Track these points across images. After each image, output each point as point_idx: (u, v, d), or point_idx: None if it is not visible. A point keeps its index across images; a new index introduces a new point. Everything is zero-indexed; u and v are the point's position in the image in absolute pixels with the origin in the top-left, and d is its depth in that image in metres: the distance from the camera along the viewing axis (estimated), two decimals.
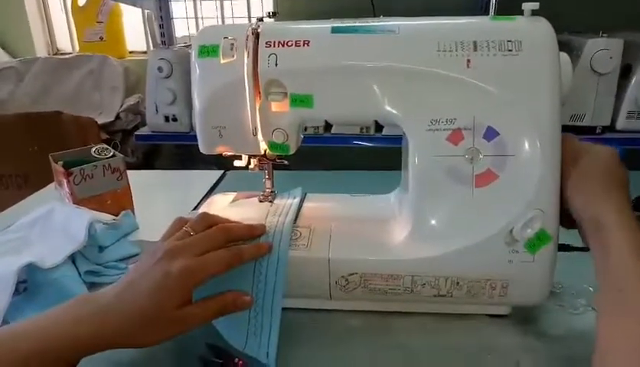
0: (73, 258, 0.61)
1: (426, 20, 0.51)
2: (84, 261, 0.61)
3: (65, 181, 0.71)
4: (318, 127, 1.62)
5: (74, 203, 0.72)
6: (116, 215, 0.73)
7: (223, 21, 2.05)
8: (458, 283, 0.50)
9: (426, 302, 0.52)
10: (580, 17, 1.65)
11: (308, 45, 0.50)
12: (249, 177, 0.61)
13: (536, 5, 0.48)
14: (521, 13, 0.49)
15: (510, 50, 0.47)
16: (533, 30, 0.48)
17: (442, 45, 0.48)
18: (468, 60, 0.47)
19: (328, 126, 1.63)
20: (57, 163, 0.73)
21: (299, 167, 0.92)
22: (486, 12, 1.73)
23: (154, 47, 1.76)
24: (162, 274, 0.41)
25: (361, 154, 1.58)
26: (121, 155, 0.75)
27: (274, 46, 0.50)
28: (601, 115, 1.48)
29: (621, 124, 1.48)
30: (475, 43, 0.47)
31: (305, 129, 1.63)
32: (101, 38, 2.15)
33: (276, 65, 0.50)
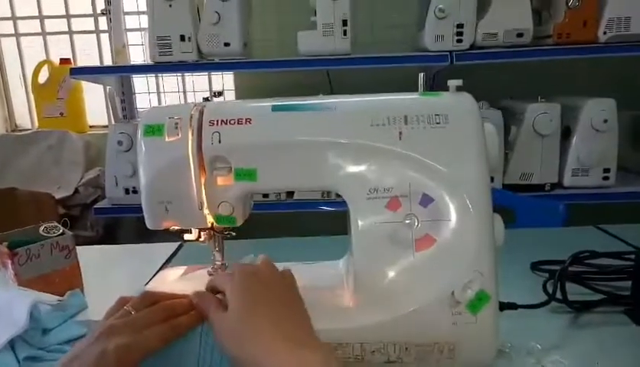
0: (12, 344, 0.58)
1: (360, 97, 0.54)
2: (24, 346, 0.58)
3: (9, 262, 0.69)
4: (280, 193, 1.64)
5: (19, 285, 0.69)
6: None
7: (185, 95, 2.10)
8: (406, 348, 0.50)
9: None
10: (517, 85, 1.78)
11: (250, 122, 0.52)
12: (206, 248, 0.61)
13: (459, 82, 0.53)
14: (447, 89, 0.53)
15: (438, 123, 0.50)
16: (458, 104, 0.52)
17: (376, 120, 0.51)
18: (400, 133, 0.50)
19: (290, 192, 1.65)
20: (1, 244, 0.71)
21: (265, 233, 0.93)
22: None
23: (115, 121, 1.78)
24: (98, 353, 0.40)
25: (324, 217, 1.60)
26: (70, 232, 0.74)
27: (217, 124, 0.52)
28: (548, 174, 1.57)
29: (567, 181, 1.57)
30: (405, 117, 0.51)
31: (268, 196, 1.65)
32: (61, 114, 2.15)
33: (220, 142, 0.52)
